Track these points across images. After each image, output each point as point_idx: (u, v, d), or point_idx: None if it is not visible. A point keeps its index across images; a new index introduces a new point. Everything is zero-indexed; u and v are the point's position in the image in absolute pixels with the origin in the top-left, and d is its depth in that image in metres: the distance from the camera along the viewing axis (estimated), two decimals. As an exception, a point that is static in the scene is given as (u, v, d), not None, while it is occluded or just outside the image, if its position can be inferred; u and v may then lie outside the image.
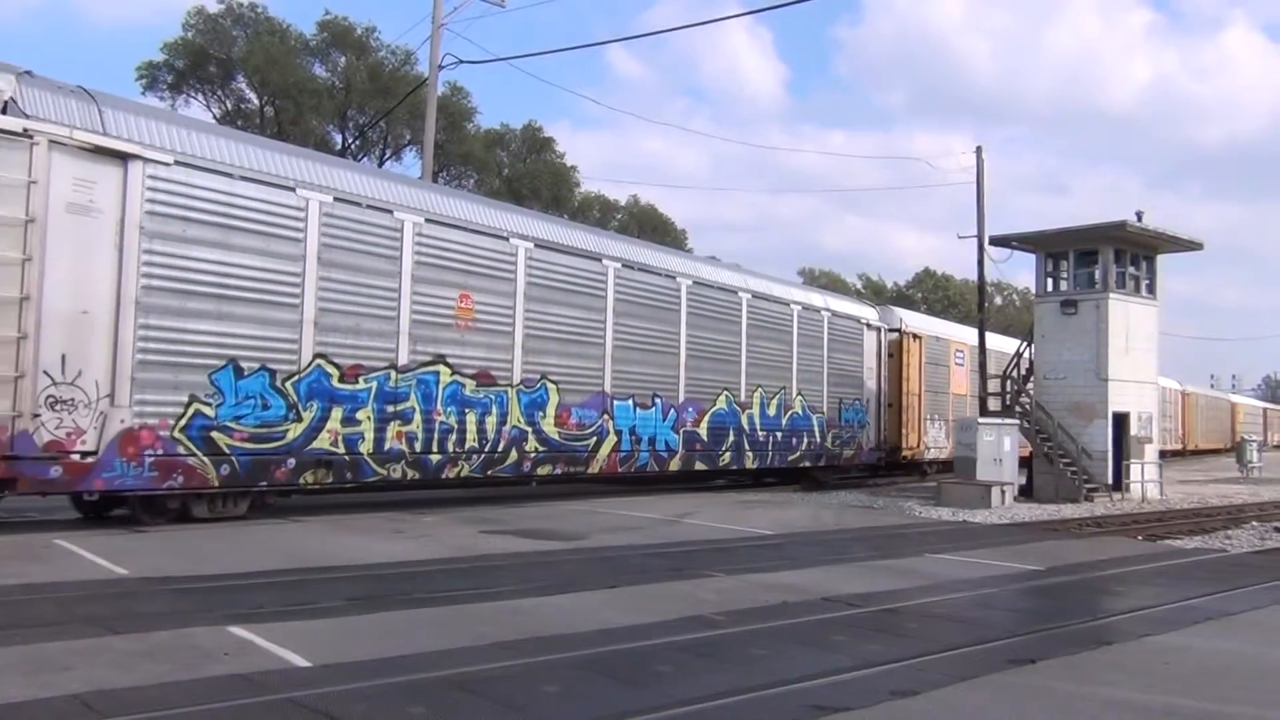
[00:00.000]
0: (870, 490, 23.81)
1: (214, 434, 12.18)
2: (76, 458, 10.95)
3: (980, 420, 21.69)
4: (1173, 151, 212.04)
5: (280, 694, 5.11)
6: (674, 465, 19.53)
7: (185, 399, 11.92)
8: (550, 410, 16.76)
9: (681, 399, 19.66)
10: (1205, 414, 60.89)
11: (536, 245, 16.74)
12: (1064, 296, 23.05)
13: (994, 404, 24.66)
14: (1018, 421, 22.61)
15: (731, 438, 20.98)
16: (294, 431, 13.03)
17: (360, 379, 13.85)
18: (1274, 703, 5.70)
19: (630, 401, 18.41)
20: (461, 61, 23.13)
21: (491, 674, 5.67)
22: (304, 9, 62.60)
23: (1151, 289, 23.65)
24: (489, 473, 15.94)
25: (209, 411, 12.12)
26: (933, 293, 79.68)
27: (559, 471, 17.20)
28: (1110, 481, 22.04)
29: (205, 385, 12.11)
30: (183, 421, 11.88)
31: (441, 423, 14.94)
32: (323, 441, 13.35)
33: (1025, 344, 24.45)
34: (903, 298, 72.78)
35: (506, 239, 16.25)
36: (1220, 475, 34.77)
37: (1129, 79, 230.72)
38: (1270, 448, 59.59)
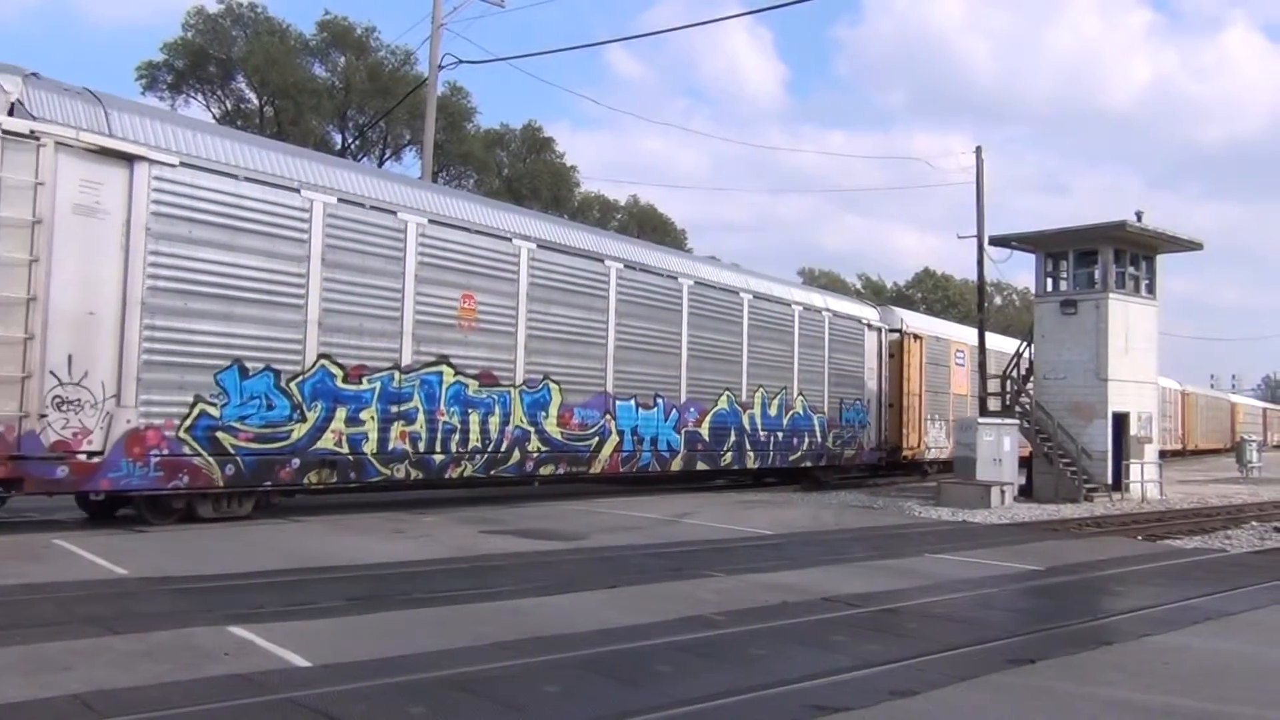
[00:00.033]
0: (870, 490, 23.82)
1: (219, 434, 12.23)
2: (83, 458, 11.01)
3: (980, 420, 21.71)
4: (1172, 151, 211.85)
5: (280, 694, 5.13)
6: (676, 465, 19.57)
7: (190, 399, 11.97)
8: (553, 410, 16.81)
9: (683, 399, 19.70)
10: (1205, 414, 60.84)
11: (539, 246, 16.78)
12: (1064, 296, 23.07)
13: (994, 404, 24.67)
14: (1017, 421, 22.63)
15: (733, 438, 21.02)
16: (298, 432, 13.09)
17: (364, 379, 13.90)
18: (1273, 703, 5.72)
19: (632, 402, 18.46)
20: (461, 61, 23.10)
21: (491, 674, 5.69)
22: (304, 9, 62.74)
23: (1151, 289, 23.67)
24: (492, 473, 15.98)
25: (214, 412, 12.18)
26: (932, 293, 79.64)
27: (562, 471, 17.24)
28: (1110, 481, 22.06)
29: (210, 386, 12.16)
30: (188, 422, 11.93)
31: (445, 423, 14.98)
32: (327, 441, 13.40)
33: (1025, 344, 24.46)
34: (902, 298, 72.75)
35: (509, 240, 16.29)
36: (1220, 475, 34.75)
37: (1129, 79, 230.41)
38: (1270, 448, 59.62)
